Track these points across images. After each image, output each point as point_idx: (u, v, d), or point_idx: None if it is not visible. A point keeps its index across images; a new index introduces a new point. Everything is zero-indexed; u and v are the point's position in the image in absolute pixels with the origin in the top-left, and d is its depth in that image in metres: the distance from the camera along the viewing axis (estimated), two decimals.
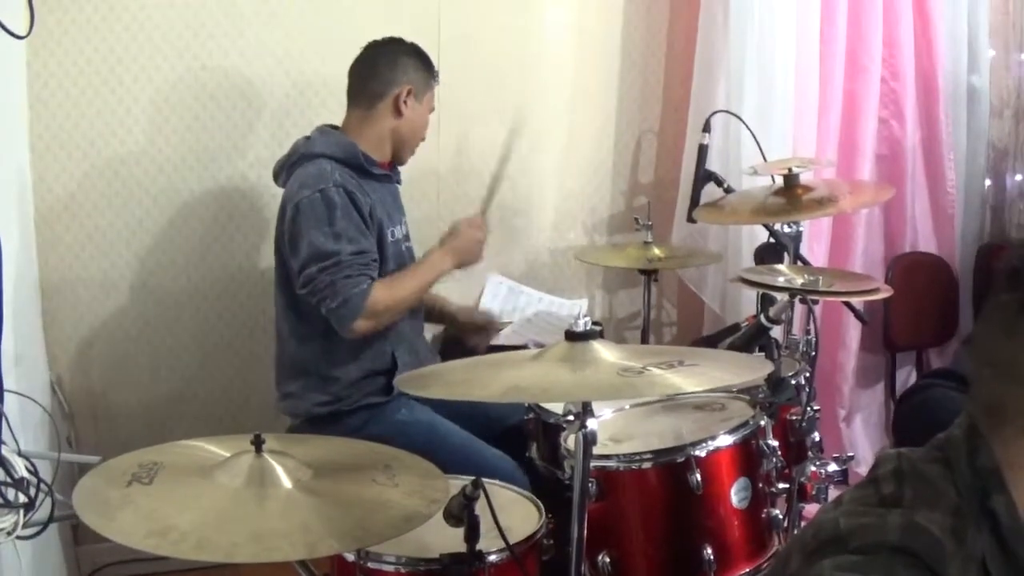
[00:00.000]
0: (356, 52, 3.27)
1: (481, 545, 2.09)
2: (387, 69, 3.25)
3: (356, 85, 3.28)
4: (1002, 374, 1.31)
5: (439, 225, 3.89)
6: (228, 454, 1.97)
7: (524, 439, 3.03)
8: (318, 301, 3.02)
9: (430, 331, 3.77)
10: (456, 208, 4.04)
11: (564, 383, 1.99)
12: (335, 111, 3.34)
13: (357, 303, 2.99)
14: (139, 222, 3.68)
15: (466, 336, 3.69)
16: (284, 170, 3.22)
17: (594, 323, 2.12)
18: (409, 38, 3.32)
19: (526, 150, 4.08)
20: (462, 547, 2.08)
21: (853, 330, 4.35)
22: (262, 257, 3.78)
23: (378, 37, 3.29)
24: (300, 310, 3.16)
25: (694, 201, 3.74)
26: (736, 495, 2.51)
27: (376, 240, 3.13)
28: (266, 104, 3.77)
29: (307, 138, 3.23)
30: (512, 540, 2.17)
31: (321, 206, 3.02)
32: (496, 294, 4.04)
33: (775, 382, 2.74)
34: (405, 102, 3.23)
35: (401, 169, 3.40)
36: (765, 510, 2.59)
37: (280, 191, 3.21)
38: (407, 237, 3.39)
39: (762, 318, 2.79)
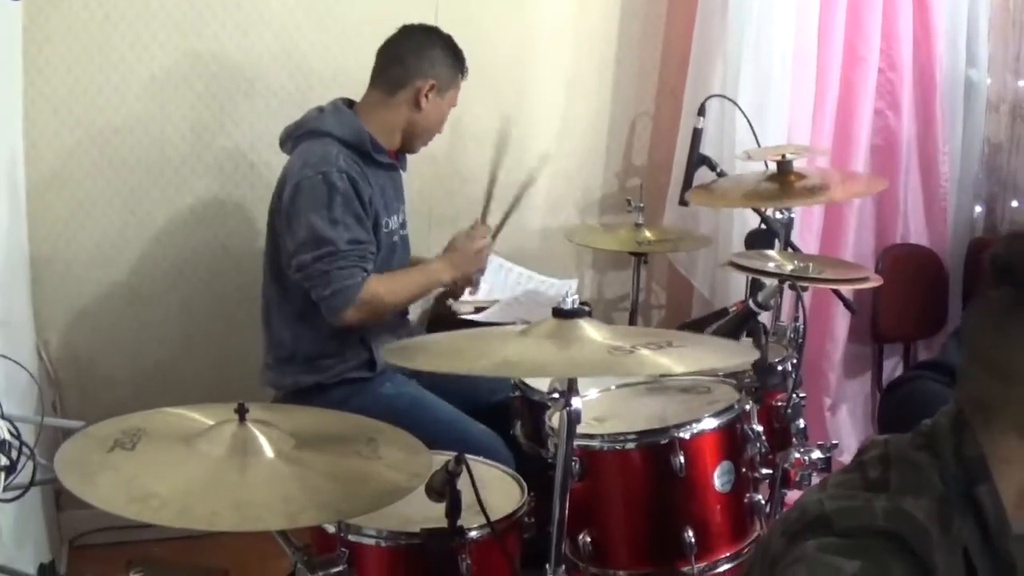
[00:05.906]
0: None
1: (462, 521, 2.10)
2: (414, 59, 3.18)
3: (380, 67, 3.22)
4: (989, 370, 1.31)
5: (430, 212, 3.89)
6: (212, 422, 1.96)
7: (509, 416, 3.03)
8: (310, 287, 3.01)
9: (416, 309, 3.77)
10: (452, 188, 4.04)
11: (557, 360, 1.96)
12: (331, 88, 3.32)
13: (349, 294, 2.97)
14: (131, 192, 3.67)
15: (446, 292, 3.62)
16: (291, 139, 3.17)
17: (582, 303, 2.10)
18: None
19: (521, 130, 4.07)
20: (443, 522, 2.08)
21: (841, 319, 4.35)
22: (253, 231, 3.75)
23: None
24: (284, 285, 3.14)
25: (687, 184, 3.74)
26: (719, 479, 2.51)
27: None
28: (262, 79, 3.74)
29: (320, 110, 3.17)
30: (493, 517, 2.17)
31: (322, 189, 2.98)
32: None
33: (762, 368, 2.73)
34: (426, 96, 3.17)
35: None
36: (748, 495, 2.59)
37: (276, 165, 3.20)
38: (403, 226, 3.34)
39: (751, 303, 2.79)
